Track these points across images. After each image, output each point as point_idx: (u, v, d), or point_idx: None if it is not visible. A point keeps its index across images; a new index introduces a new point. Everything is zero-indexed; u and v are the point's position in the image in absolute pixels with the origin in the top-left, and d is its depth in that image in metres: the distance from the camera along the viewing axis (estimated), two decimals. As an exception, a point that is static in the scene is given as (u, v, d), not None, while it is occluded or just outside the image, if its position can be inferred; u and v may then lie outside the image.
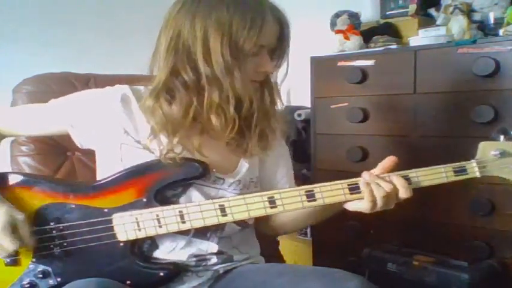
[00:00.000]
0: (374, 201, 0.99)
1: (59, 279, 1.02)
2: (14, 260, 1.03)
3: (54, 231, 1.02)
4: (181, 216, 1.00)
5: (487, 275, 1.48)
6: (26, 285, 1.02)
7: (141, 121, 1.07)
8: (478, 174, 1.03)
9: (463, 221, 1.63)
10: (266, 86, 1.10)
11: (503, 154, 1.02)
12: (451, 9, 1.83)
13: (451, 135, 1.64)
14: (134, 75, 1.27)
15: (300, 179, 1.28)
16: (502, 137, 1.03)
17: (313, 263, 2.03)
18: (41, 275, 1.02)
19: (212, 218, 1.00)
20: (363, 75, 1.81)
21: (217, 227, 1.06)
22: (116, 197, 1.03)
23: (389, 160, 1.03)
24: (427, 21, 1.95)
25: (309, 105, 2.05)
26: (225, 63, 0.98)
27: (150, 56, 1.07)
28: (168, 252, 1.06)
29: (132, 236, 1.01)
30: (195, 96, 1.03)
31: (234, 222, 1.06)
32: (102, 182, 1.05)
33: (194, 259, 1.07)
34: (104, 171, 1.09)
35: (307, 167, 2.07)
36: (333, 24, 2.14)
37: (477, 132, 1.54)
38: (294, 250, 2.30)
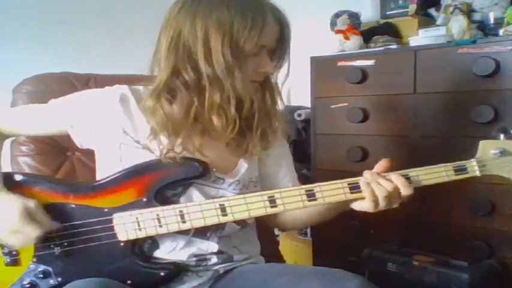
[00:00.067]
0: (376, 201, 0.99)
1: (59, 279, 1.02)
2: (14, 259, 1.03)
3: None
4: (182, 216, 1.00)
5: (487, 275, 1.48)
6: (27, 285, 1.02)
7: (140, 121, 1.07)
8: (478, 173, 1.03)
9: (463, 221, 1.63)
10: (267, 87, 1.10)
11: (503, 153, 1.02)
12: (451, 9, 1.83)
13: (451, 135, 1.64)
14: (134, 75, 1.27)
15: (300, 179, 1.28)
16: (502, 136, 1.04)
17: (313, 263, 2.03)
18: (41, 275, 1.02)
19: (212, 218, 1.00)
20: (363, 75, 1.81)
21: (217, 226, 1.07)
22: (116, 196, 1.03)
23: (385, 161, 1.02)
24: (427, 21, 1.95)
25: (309, 105, 2.05)
26: (226, 63, 0.98)
27: (150, 56, 1.07)
28: (169, 252, 1.06)
29: (132, 236, 1.02)
30: (196, 96, 1.03)
31: (234, 221, 1.06)
32: (102, 181, 1.05)
33: (194, 259, 1.08)
34: (104, 171, 1.09)
35: (307, 167, 2.07)
36: (333, 24, 2.14)
37: (477, 132, 1.54)
38: (294, 250, 2.30)
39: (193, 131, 1.05)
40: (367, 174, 1.00)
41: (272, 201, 1.00)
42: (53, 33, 2.30)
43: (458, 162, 1.03)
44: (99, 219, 1.02)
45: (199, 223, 1.01)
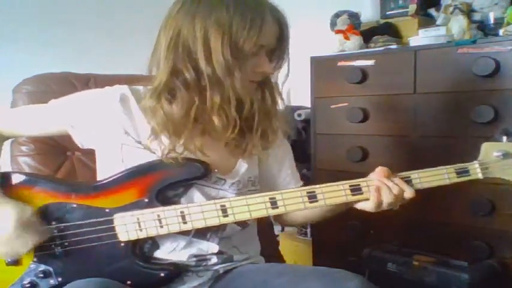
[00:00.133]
0: (380, 204, 1.01)
1: (59, 279, 1.02)
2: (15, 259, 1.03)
3: (55, 231, 1.02)
4: (183, 217, 1.00)
5: (487, 275, 1.48)
6: (27, 285, 1.02)
7: (140, 121, 1.07)
8: (480, 176, 1.03)
9: (463, 221, 1.63)
10: (267, 87, 1.10)
11: (505, 155, 1.02)
12: (451, 9, 1.83)
13: (451, 135, 1.64)
14: (134, 75, 1.27)
15: (301, 179, 1.28)
16: (504, 138, 1.03)
17: (313, 263, 2.03)
18: (41, 275, 1.02)
19: (213, 219, 1.00)
20: (363, 75, 1.82)
21: (218, 227, 1.06)
22: (118, 197, 1.03)
23: (384, 171, 1.03)
24: (427, 21, 1.95)
25: (309, 105, 2.05)
26: (226, 62, 0.98)
27: (150, 56, 1.07)
28: (169, 252, 1.06)
29: (133, 236, 1.01)
30: (197, 96, 1.03)
31: (235, 222, 1.06)
32: (103, 182, 1.05)
33: (194, 259, 1.07)
34: (105, 171, 1.09)
35: (307, 167, 2.07)
36: (333, 24, 2.14)
37: (477, 132, 1.55)
38: (294, 250, 2.30)
39: (193, 131, 1.05)
40: (375, 180, 1.02)
41: (273, 203, 1.00)
42: (53, 33, 2.30)
43: (461, 164, 1.03)
44: (100, 219, 1.02)
45: (200, 224, 1.01)
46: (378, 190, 1.01)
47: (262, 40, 1.01)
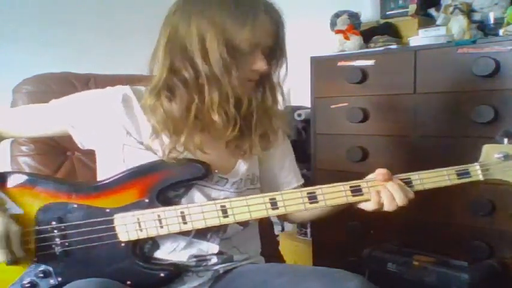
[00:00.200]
0: (381, 206, 1.01)
1: (59, 279, 1.02)
2: (15, 259, 1.03)
3: (55, 231, 1.02)
4: (183, 217, 1.00)
5: (487, 275, 1.48)
6: (27, 285, 1.02)
7: (143, 121, 1.07)
8: (481, 178, 1.03)
9: (463, 221, 1.63)
10: (267, 86, 1.10)
11: (506, 157, 1.02)
12: (451, 9, 1.83)
13: (451, 135, 1.64)
14: (134, 75, 1.27)
15: (301, 179, 1.28)
16: (505, 140, 1.03)
17: (313, 263, 2.03)
18: (41, 275, 1.02)
19: (214, 219, 1.00)
20: (363, 75, 1.81)
21: (219, 227, 1.07)
22: (118, 197, 1.03)
23: (384, 174, 1.03)
24: (427, 21, 1.95)
25: (309, 105, 2.05)
26: (223, 60, 0.99)
27: (150, 56, 1.07)
28: (169, 252, 1.06)
29: (133, 237, 1.01)
30: (196, 94, 1.03)
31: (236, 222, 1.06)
32: (104, 182, 1.05)
33: (194, 259, 1.08)
34: (105, 171, 1.09)
35: (307, 167, 2.07)
36: (333, 24, 2.14)
37: (477, 132, 1.55)
38: (294, 250, 2.30)
39: (193, 129, 1.05)
40: (376, 183, 1.02)
41: (273, 204, 1.00)
42: (53, 33, 2.30)
43: (461, 166, 1.03)
44: (100, 219, 1.02)
45: (200, 224, 1.01)
46: (379, 193, 1.01)
47: (256, 38, 1.01)
